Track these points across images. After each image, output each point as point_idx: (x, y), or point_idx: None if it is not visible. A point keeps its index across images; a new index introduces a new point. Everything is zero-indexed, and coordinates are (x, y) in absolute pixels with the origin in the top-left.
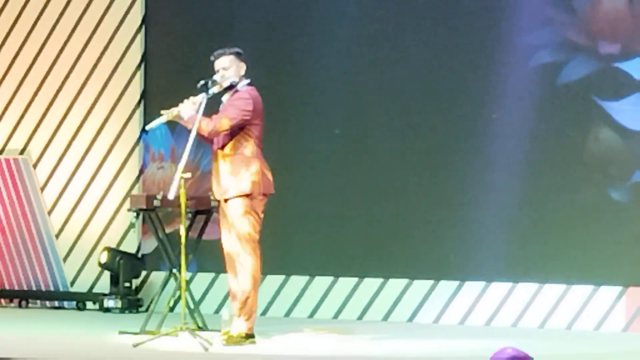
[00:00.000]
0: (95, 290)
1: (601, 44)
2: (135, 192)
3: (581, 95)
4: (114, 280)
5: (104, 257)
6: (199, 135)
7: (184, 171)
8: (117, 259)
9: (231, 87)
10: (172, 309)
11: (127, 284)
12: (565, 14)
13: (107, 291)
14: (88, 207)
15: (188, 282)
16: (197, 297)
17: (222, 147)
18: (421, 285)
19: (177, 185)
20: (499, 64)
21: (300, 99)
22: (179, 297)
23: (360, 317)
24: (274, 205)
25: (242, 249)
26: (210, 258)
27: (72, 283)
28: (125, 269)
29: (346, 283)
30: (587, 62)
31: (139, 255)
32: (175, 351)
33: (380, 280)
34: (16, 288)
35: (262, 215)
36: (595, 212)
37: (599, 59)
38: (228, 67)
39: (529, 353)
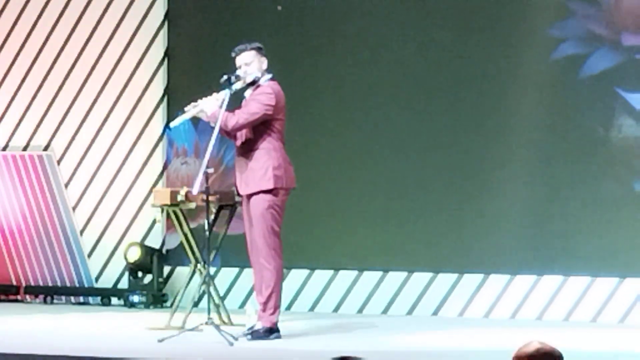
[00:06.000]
0: (119, 286)
1: (624, 36)
2: (159, 187)
3: (604, 87)
4: (135, 275)
5: (136, 254)
6: (222, 131)
7: (208, 166)
8: (150, 255)
9: (253, 82)
10: (196, 304)
11: (159, 280)
12: (589, 6)
13: (131, 287)
14: (112, 202)
15: (212, 277)
16: (221, 292)
17: (245, 142)
18: (445, 279)
19: (201, 180)
20: (521, 57)
21: (322, 93)
22: (204, 292)
23: (384, 311)
24: (298, 199)
25: (265, 243)
26: (235, 253)
27: (97, 279)
28: (157, 265)
29: (370, 277)
30: (610, 54)
31: (164, 250)
32: (200, 346)
33: (405, 273)
34: (41, 284)
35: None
36: (619, 204)
37: (622, 51)
38: (250, 63)
39: (555, 346)
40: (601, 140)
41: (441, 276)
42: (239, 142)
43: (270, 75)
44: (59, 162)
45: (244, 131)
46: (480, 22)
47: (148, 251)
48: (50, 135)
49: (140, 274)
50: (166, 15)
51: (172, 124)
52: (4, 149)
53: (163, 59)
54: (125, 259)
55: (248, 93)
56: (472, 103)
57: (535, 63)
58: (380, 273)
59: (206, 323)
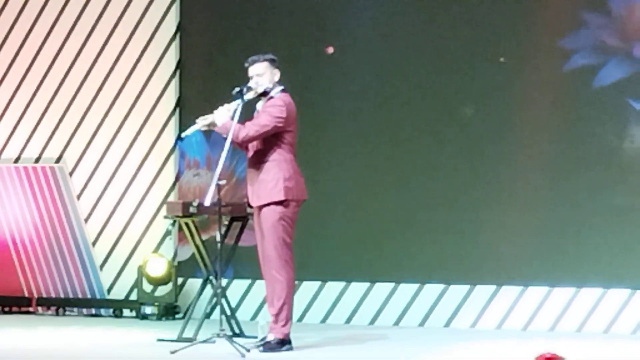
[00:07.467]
0: (131, 298)
1: (637, 47)
2: (171, 199)
3: (617, 98)
4: (140, 285)
5: (162, 267)
6: (233, 142)
7: (220, 178)
8: (173, 267)
9: (265, 93)
10: (208, 316)
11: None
12: (601, 16)
13: (143, 298)
14: (124, 214)
15: (224, 289)
16: (233, 304)
17: (256, 154)
18: (457, 290)
19: (213, 192)
20: (533, 68)
21: (333, 104)
22: (216, 304)
23: (396, 323)
24: (310, 211)
25: (277, 255)
26: (247, 264)
27: (109, 290)
28: (175, 277)
29: (382, 289)
30: (622, 65)
31: (175, 262)
32: (212, 357)
33: (417, 285)
34: (53, 296)
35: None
36: (632, 215)
37: (634, 62)
38: (262, 74)
39: (567, 357)
40: (614, 151)
41: (453, 288)
42: (250, 154)
43: (281, 87)
44: (71, 174)
45: (255, 143)
46: (493, 34)
47: (171, 264)
48: (62, 147)
49: (150, 285)
50: (178, 28)
51: (183, 134)
52: (17, 161)
53: (175, 72)
54: (146, 271)
55: (260, 105)
56: (484, 114)
57: (548, 74)
58: (392, 285)
59: (218, 335)
